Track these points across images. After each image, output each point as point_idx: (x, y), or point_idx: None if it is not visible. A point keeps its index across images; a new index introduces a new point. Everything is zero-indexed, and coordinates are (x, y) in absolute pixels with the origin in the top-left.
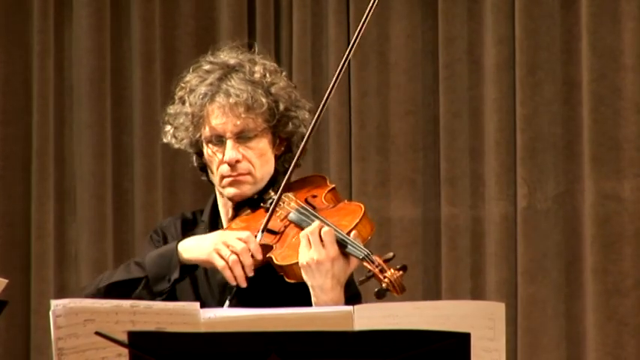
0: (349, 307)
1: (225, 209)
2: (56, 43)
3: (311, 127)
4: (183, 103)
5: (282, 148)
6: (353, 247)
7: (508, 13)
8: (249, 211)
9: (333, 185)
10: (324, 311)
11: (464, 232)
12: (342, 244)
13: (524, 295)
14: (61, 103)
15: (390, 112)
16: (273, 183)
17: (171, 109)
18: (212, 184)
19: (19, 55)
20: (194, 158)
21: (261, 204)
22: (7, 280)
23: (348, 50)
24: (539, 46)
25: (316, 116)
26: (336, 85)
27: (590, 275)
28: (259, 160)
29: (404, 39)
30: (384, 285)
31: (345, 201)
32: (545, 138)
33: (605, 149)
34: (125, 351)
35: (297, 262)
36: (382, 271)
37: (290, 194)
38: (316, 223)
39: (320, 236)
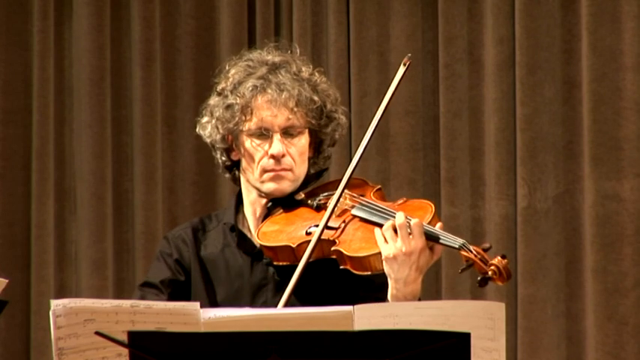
0: (349, 307)
1: (252, 208)
2: (56, 43)
3: (368, 137)
4: (226, 95)
5: (313, 152)
6: (447, 238)
7: (508, 13)
8: (281, 210)
9: (379, 186)
10: (324, 311)
11: (464, 232)
12: (433, 237)
13: (524, 295)
14: (61, 103)
15: (390, 112)
16: (305, 185)
17: (211, 101)
18: (235, 183)
19: (19, 55)
20: (219, 154)
21: (308, 201)
22: (7, 280)
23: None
24: (539, 46)
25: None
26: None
27: (590, 275)
28: (300, 157)
29: (404, 39)
30: (489, 273)
31: (405, 198)
32: (545, 138)
33: (605, 149)
34: (125, 351)
35: (374, 254)
36: (483, 260)
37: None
38: (402, 215)
39: (407, 228)
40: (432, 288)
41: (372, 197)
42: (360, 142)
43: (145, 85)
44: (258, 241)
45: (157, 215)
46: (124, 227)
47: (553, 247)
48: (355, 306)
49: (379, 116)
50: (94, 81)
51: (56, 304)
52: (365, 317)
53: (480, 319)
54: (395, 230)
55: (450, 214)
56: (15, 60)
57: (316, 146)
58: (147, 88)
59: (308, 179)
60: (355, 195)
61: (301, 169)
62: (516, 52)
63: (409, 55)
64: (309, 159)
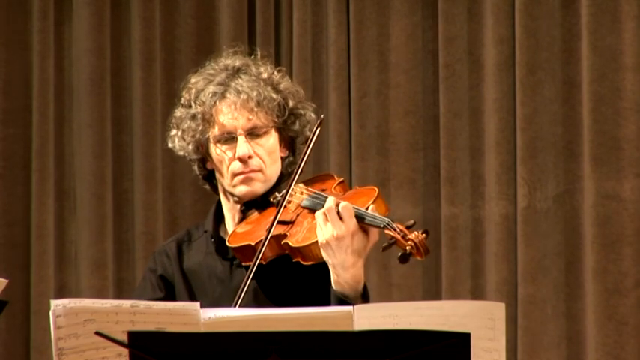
0: (349, 307)
1: (231, 214)
2: (56, 43)
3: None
4: (190, 105)
5: (287, 151)
6: (372, 217)
7: (508, 13)
8: (256, 213)
9: (342, 179)
10: (324, 311)
11: (464, 232)
12: (360, 218)
13: (524, 295)
14: (61, 103)
15: (390, 112)
16: (278, 185)
17: (177, 113)
18: (215, 193)
19: (19, 55)
20: (196, 167)
21: (272, 201)
22: (7, 280)
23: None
24: (539, 46)
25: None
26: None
27: (590, 275)
28: (269, 157)
29: (404, 39)
30: (407, 248)
31: (357, 187)
32: (545, 138)
33: (605, 149)
34: (125, 351)
35: (315, 242)
36: (404, 236)
37: (300, 186)
38: (332, 199)
39: (338, 212)
40: (432, 288)
41: (333, 191)
42: (361, 142)
43: (145, 85)
44: (228, 244)
45: (157, 215)
46: (124, 227)
47: (553, 247)
48: (355, 306)
49: (299, 171)
50: (94, 81)
51: (56, 304)
52: (365, 317)
53: (480, 319)
54: (326, 216)
55: (450, 214)
56: (15, 60)
57: (289, 145)
58: (147, 88)
59: (282, 178)
60: (310, 189)
61: (272, 170)
62: (516, 52)
63: (322, 116)
64: (285, 159)
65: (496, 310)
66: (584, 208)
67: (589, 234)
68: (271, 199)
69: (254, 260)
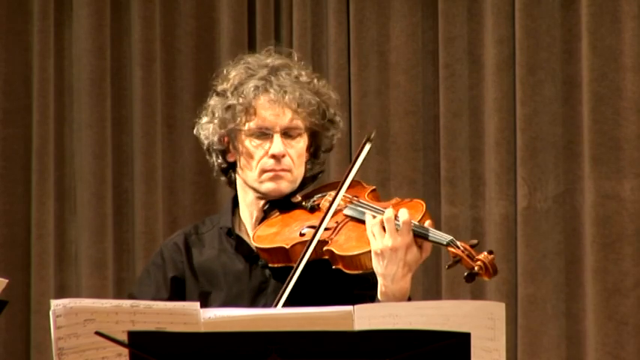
0: (349, 307)
1: (249, 211)
2: (56, 43)
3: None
4: (227, 96)
5: (309, 157)
6: (434, 234)
7: (508, 13)
8: (278, 213)
9: (374, 187)
10: (324, 311)
11: (464, 232)
12: (420, 234)
13: (524, 295)
14: (61, 103)
15: (390, 112)
16: (301, 187)
17: (211, 101)
18: (231, 186)
19: (19, 55)
20: (215, 157)
21: (303, 203)
22: (7, 280)
23: None
24: (539, 46)
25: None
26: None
27: (590, 275)
28: (298, 160)
29: (404, 39)
30: (476, 269)
31: (397, 198)
32: (545, 138)
33: (605, 149)
34: (125, 351)
35: (363, 252)
36: (470, 255)
37: (332, 193)
38: (390, 210)
39: (395, 223)
40: (432, 288)
41: (367, 198)
42: (361, 142)
43: (145, 85)
44: (254, 244)
45: (157, 215)
46: (124, 227)
47: (553, 247)
48: (355, 306)
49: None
50: (94, 81)
51: (56, 304)
52: (365, 317)
53: (480, 319)
54: (383, 226)
55: (450, 214)
56: (15, 60)
57: (313, 151)
58: (147, 88)
59: (304, 182)
60: (349, 196)
61: (299, 171)
62: (516, 52)
63: (373, 134)
64: (305, 163)
65: (496, 310)
66: (584, 208)
67: (589, 234)
68: (293, 200)
69: (296, 265)
